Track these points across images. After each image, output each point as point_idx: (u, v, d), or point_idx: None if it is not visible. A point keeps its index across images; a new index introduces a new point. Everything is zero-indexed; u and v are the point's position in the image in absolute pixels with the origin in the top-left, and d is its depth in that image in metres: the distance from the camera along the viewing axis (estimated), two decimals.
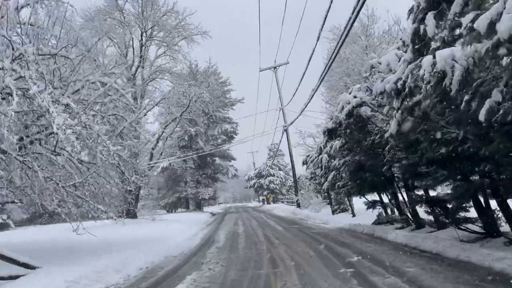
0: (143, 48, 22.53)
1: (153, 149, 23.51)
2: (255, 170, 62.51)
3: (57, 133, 6.47)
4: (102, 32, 18.87)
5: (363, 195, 13.43)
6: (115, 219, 9.54)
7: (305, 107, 17.14)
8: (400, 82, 6.69)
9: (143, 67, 23.00)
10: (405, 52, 7.67)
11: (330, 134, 12.51)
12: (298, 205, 26.37)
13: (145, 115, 23.53)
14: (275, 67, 26.98)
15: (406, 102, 7.12)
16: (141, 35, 22.33)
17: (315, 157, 18.64)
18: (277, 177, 58.36)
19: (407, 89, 6.40)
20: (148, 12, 22.85)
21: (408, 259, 6.98)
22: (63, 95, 7.37)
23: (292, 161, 26.74)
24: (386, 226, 12.76)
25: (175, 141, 37.56)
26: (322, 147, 18.00)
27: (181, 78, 22.69)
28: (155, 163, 24.28)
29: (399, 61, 7.83)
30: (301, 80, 15.84)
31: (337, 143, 13.88)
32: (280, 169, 61.08)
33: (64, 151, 7.16)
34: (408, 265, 6.28)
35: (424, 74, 5.69)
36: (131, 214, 22.69)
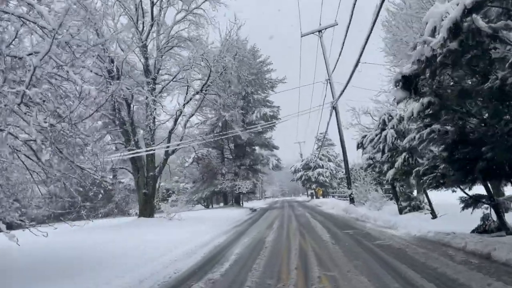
0: (155, 7, 18.24)
1: (170, 132, 19.42)
2: (302, 161, 57.43)
3: None
4: None
5: (468, 186, 8.22)
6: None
7: (362, 53, 12.00)
8: None
9: (159, 33, 18.76)
10: None
11: (407, 84, 7.49)
12: (352, 201, 21.21)
13: (160, 91, 19.45)
14: (319, 31, 21.86)
15: None
16: None
17: (375, 136, 13.49)
18: (327, 168, 52.93)
19: None
20: None
21: None
22: None
23: (343, 145, 21.54)
24: (500, 237, 7.68)
25: (208, 128, 33.49)
26: (386, 119, 12.82)
27: (203, 45, 18.31)
28: (178, 145, 20.03)
29: None
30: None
31: (414, 106, 8.79)
32: (329, 160, 55.56)
33: None
34: None
35: None
36: (145, 213, 18.78)
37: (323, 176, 51.95)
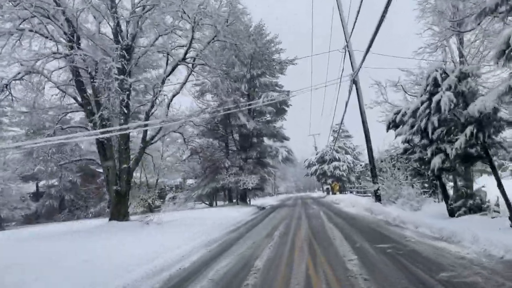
0: None
1: (148, 113, 15.46)
2: (316, 154, 53.10)
3: None
4: None
5: None
6: None
7: None
8: None
9: None
10: None
11: None
12: (378, 198, 16.98)
13: (136, 63, 15.57)
14: None
15: None
16: None
17: (421, 104, 9.23)
18: (343, 161, 48.50)
19: None
20: None
21: None
22: None
23: (365, 128, 17.15)
24: None
25: (208, 116, 29.54)
26: (438, 77, 8.56)
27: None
28: (163, 121, 15.93)
29: None
30: None
31: None
32: (346, 153, 51.08)
33: None
34: None
35: None
36: (118, 215, 14.99)
37: (339, 170, 47.55)
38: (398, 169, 16.96)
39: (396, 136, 11.84)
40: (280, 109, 31.08)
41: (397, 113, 11.96)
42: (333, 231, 10.97)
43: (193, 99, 31.63)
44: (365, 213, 16.20)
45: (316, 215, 17.53)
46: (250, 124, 29.01)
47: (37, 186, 34.38)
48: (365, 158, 53.82)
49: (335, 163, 47.91)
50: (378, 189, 16.73)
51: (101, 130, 12.39)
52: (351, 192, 45.19)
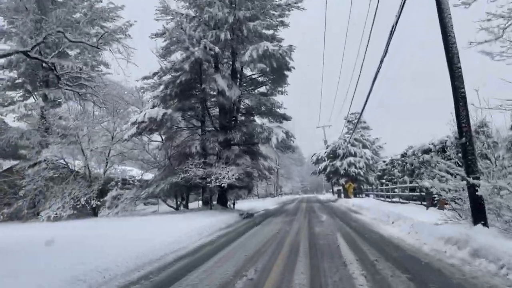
0: None
1: None
2: (326, 148, 43.38)
3: None
4: None
5: None
6: None
7: None
8: None
9: None
10: None
11: None
12: (479, 213, 7.24)
13: None
14: None
15: None
16: None
17: None
18: (361, 157, 38.78)
19: None
20: None
21: None
22: None
23: (448, 41, 7.26)
24: None
25: (168, 77, 19.88)
26: None
27: None
28: None
29: None
30: None
31: None
32: (364, 146, 41.34)
33: None
34: None
35: None
36: None
37: (355, 167, 37.84)
38: None
39: None
40: (279, 74, 21.29)
41: None
42: None
43: (157, 58, 22.36)
44: (453, 254, 6.59)
45: (331, 247, 7.99)
46: (232, 92, 19.51)
47: None
48: (387, 153, 43.37)
49: (351, 159, 38.21)
50: (481, 196, 6.96)
51: None
52: (367, 195, 35.62)
